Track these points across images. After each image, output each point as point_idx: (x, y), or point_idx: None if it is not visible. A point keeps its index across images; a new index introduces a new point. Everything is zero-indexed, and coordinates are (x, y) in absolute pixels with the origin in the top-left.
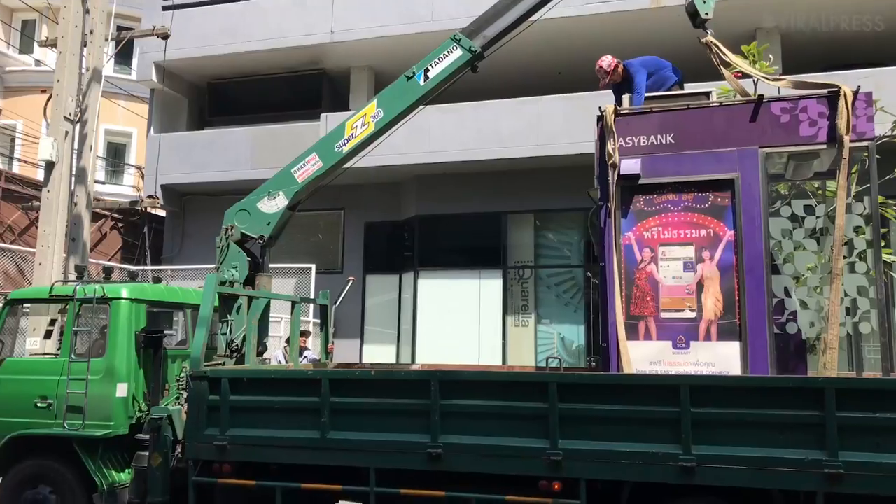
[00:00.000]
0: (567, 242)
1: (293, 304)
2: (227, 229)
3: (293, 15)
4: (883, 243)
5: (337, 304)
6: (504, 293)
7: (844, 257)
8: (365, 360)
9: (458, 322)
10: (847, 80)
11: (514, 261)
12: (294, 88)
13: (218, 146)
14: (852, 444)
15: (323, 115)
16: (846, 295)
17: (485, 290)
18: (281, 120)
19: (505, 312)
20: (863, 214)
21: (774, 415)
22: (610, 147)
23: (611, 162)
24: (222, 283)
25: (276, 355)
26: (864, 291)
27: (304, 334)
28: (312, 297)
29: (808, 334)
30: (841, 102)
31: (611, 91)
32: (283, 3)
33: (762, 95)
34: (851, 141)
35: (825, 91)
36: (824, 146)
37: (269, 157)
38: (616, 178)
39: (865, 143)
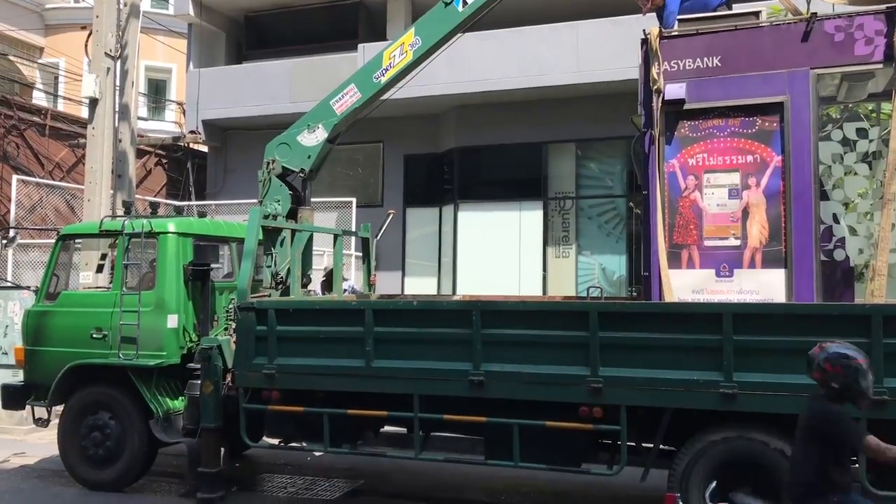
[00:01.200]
0: (609, 172)
1: (335, 236)
2: (268, 163)
3: None
4: None
5: (378, 237)
6: (545, 224)
7: None
8: (406, 292)
9: (499, 254)
10: None
11: (554, 192)
12: (331, 19)
13: (256, 80)
14: None
15: (360, 46)
16: None
17: (525, 221)
18: (318, 52)
19: (545, 244)
20: None
21: (819, 342)
22: (654, 71)
23: (655, 87)
24: (265, 217)
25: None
26: None
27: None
28: (354, 230)
29: (856, 261)
30: None
31: (653, 15)
32: None
33: (815, 13)
34: None
35: (884, 7)
36: (881, 66)
37: (307, 90)
38: (660, 103)
39: None
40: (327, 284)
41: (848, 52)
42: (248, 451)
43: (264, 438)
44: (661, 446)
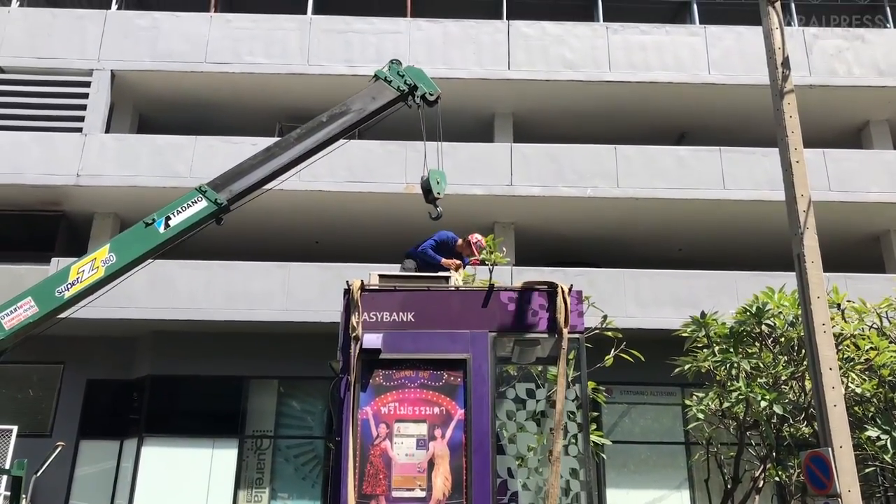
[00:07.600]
0: (310, 411)
1: None
2: None
3: (35, 152)
4: (594, 426)
5: (39, 473)
6: (238, 464)
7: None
8: None
9: (183, 497)
10: (567, 276)
11: (252, 429)
12: (26, 228)
13: None
14: None
15: (54, 260)
16: (562, 477)
17: (217, 460)
18: (9, 261)
19: (237, 486)
20: (574, 400)
21: None
22: (354, 320)
23: (354, 335)
24: None
25: None
26: (575, 474)
27: None
28: (7, 466)
29: None
30: (559, 298)
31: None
32: (24, 138)
33: (493, 284)
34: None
35: (545, 286)
36: (545, 335)
37: None
38: (358, 351)
39: (577, 336)
40: None
41: (519, 320)
42: None
43: None
44: None
